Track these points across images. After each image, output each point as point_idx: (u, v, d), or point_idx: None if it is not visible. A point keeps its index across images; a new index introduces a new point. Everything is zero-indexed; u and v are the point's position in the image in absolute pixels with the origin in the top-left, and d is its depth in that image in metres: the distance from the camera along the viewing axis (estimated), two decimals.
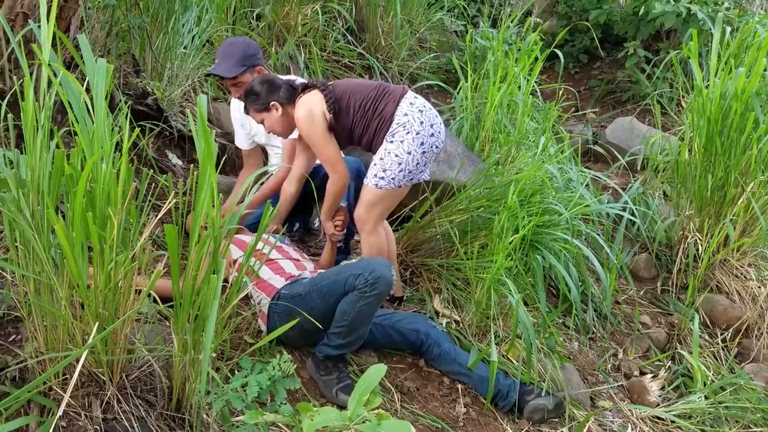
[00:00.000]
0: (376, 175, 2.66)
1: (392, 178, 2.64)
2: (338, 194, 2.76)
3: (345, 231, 2.92)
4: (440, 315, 2.97)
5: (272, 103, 2.68)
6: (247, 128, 3.22)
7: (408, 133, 2.61)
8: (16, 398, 1.48)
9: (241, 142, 3.28)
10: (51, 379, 1.71)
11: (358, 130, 2.68)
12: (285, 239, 2.94)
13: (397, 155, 2.61)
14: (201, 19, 3.98)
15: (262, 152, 3.41)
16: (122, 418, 1.74)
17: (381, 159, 2.64)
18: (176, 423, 1.85)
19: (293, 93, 2.70)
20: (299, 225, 3.37)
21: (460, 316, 2.98)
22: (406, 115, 2.62)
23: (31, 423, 1.64)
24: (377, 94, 2.66)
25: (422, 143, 2.63)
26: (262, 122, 2.75)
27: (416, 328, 2.72)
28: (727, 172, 3.63)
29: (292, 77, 2.89)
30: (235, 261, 2.69)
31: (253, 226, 3.04)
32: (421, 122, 2.62)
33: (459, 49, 5.56)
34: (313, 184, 2.91)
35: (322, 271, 2.68)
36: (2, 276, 2.02)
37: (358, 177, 3.04)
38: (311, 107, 2.62)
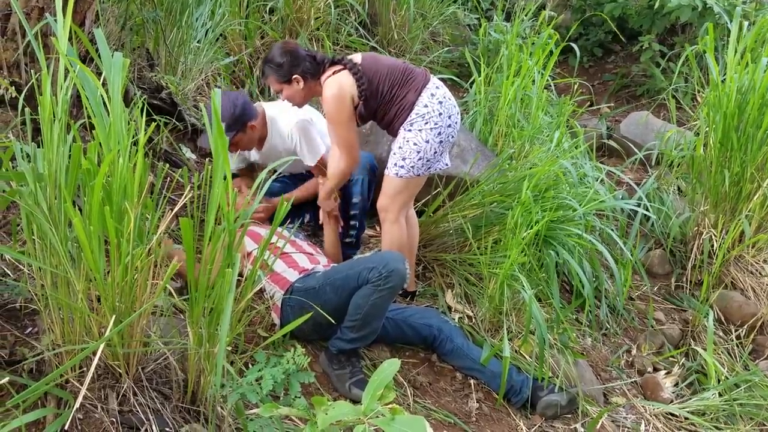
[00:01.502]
0: (396, 164, 2.69)
1: (411, 167, 2.68)
2: (344, 177, 2.79)
3: (339, 201, 2.93)
4: (453, 310, 2.97)
5: (295, 76, 2.66)
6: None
7: (426, 123, 2.64)
8: (33, 390, 1.49)
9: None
10: (68, 372, 1.72)
11: (381, 110, 2.71)
12: (299, 233, 2.94)
13: (415, 143, 2.64)
14: (214, 13, 3.99)
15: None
16: (138, 411, 1.75)
17: (400, 148, 2.68)
18: (191, 416, 1.86)
19: (317, 67, 2.67)
20: (310, 218, 3.37)
21: (472, 312, 2.98)
22: (426, 106, 2.64)
23: (49, 415, 1.65)
24: (403, 79, 2.67)
25: (439, 133, 2.66)
26: (280, 91, 2.73)
27: (429, 323, 2.72)
28: (743, 167, 3.60)
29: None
30: (249, 253, 2.70)
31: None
32: (440, 113, 2.65)
33: (472, 43, 5.52)
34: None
35: (336, 264, 2.69)
36: (19, 269, 2.03)
37: (371, 171, 3.04)
38: (342, 90, 2.61)
